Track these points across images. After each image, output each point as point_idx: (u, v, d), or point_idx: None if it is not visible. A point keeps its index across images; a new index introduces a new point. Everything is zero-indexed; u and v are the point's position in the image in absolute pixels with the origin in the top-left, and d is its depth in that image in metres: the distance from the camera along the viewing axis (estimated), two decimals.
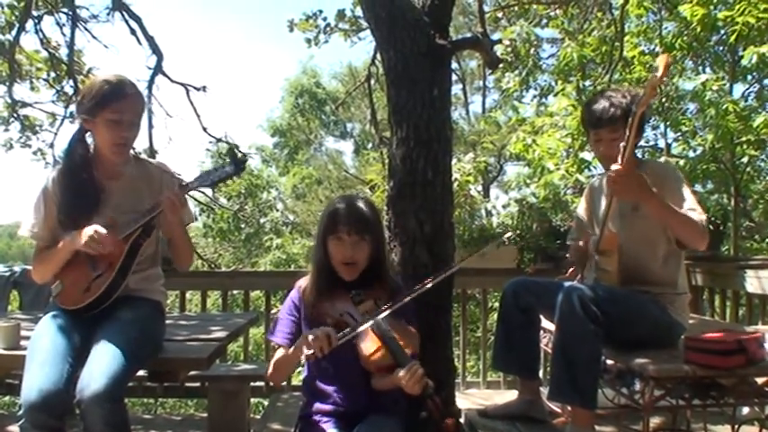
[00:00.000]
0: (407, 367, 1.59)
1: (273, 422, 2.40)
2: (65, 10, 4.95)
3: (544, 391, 2.31)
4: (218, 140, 5.67)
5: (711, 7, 5.61)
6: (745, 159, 6.80)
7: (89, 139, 2.07)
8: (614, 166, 2.01)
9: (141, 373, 2.03)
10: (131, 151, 2.20)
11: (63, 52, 5.27)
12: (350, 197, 1.91)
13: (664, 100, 6.17)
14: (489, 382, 3.79)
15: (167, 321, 2.22)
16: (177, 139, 6.08)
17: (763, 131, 5.55)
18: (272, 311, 3.93)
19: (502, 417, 2.39)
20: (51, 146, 5.71)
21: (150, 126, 4.82)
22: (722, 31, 5.99)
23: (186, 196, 2.04)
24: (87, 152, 2.05)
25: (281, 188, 17.70)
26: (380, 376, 1.71)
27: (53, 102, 5.68)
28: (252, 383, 3.04)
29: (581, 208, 2.55)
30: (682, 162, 6.44)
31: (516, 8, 6.53)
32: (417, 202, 2.44)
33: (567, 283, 2.13)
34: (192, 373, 2.40)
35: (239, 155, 1.97)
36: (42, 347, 1.82)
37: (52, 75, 5.54)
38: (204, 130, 5.29)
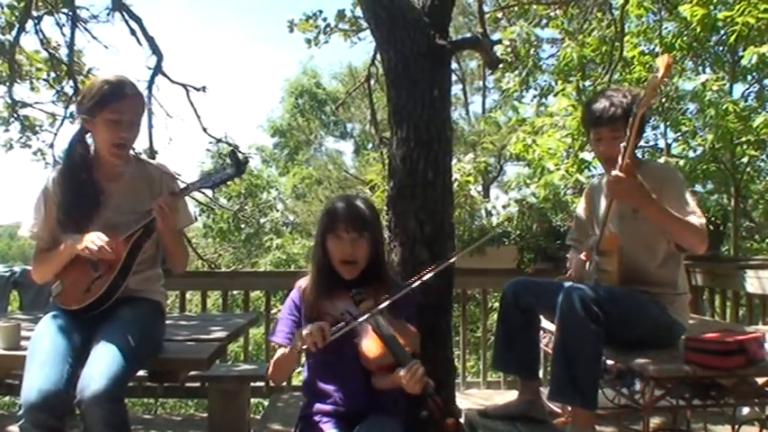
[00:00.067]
0: (408, 366, 1.59)
1: (273, 422, 2.40)
2: (65, 10, 4.94)
3: (544, 391, 2.31)
4: (219, 141, 5.68)
5: (711, 7, 5.60)
6: (745, 159, 6.79)
7: (89, 140, 2.07)
8: (614, 172, 2.01)
9: (141, 373, 2.03)
10: (131, 152, 2.20)
11: (63, 52, 5.26)
12: (348, 196, 1.93)
13: (664, 100, 6.17)
14: (489, 383, 3.80)
15: (167, 322, 2.22)
16: (177, 140, 6.07)
17: (763, 131, 5.54)
18: (273, 312, 3.94)
19: (502, 417, 2.39)
20: (51, 146, 5.70)
21: (150, 126, 4.82)
22: (722, 32, 5.99)
23: (186, 198, 2.04)
24: (87, 153, 2.06)
25: (281, 188, 17.69)
26: (381, 376, 1.71)
27: (53, 102, 5.68)
28: (252, 384, 3.04)
29: (581, 208, 2.55)
30: (682, 162, 6.43)
31: (516, 8, 6.53)
32: (417, 202, 2.44)
33: (567, 284, 2.13)
34: (193, 373, 2.40)
35: (241, 156, 1.96)
36: (42, 348, 1.82)
37: (52, 75, 5.53)
38: (204, 130, 5.29)
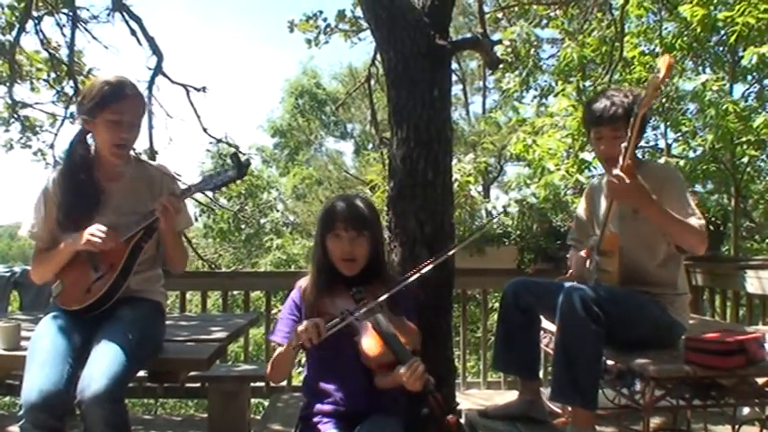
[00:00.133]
0: (408, 364, 1.59)
1: (274, 423, 2.40)
2: (65, 11, 4.95)
3: (545, 391, 2.31)
4: (219, 141, 5.69)
5: (711, 8, 5.61)
6: (745, 159, 6.80)
7: (90, 140, 2.07)
8: (615, 171, 2.01)
9: (141, 373, 2.03)
10: (132, 152, 2.20)
11: (63, 53, 5.27)
12: (347, 195, 1.94)
13: (664, 100, 6.17)
14: (490, 383, 3.80)
15: (167, 322, 2.22)
16: (177, 140, 6.08)
17: (763, 132, 5.55)
18: (273, 312, 3.94)
19: (502, 417, 2.39)
20: (52, 146, 5.71)
21: (150, 127, 4.82)
22: (722, 32, 5.99)
23: (185, 199, 2.04)
24: (88, 153, 2.06)
25: (282, 189, 17.70)
26: (382, 374, 1.71)
27: (53, 102, 5.69)
28: (252, 384, 3.04)
29: (581, 208, 2.55)
30: (682, 162, 6.44)
31: (516, 9, 6.53)
32: (418, 202, 2.44)
33: (567, 284, 2.13)
34: (193, 373, 2.40)
35: (242, 158, 1.96)
36: (43, 348, 1.82)
37: (52, 75, 5.53)
38: (204, 130, 5.30)
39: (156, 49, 4.66)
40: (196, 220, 8.23)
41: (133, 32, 4.64)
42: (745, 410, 2.51)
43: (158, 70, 4.69)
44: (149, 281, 2.11)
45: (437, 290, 2.38)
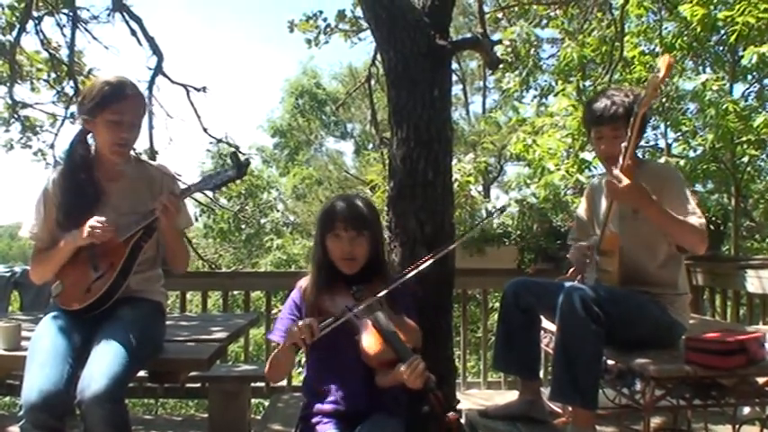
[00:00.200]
0: (408, 362, 1.59)
1: (274, 423, 2.40)
2: (65, 11, 4.95)
3: (545, 391, 2.31)
4: (219, 141, 5.69)
5: (711, 7, 5.60)
6: (745, 159, 6.79)
7: (90, 141, 2.07)
8: (615, 171, 2.01)
9: (142, 373, 2.03)
10: (132, 152, 2.20)
11: (63, 53, 5.27)
12: (347, 195, 1.94)
13: (664, 100, 6.17)
14: (490, 383, 3.80)
15: (168, 322, 2.22)
16: (178, 140, 6.09)
17: (763, 131, 5.54)
18: (273, 312, 3.94)
19: (502, 417, 2.39)
20: (52, 147, 5.71)
21: (151, 127, 4.83)
22: (722, 31, 5.99)
23: (185, 199, 2.04)
24: (88, 153, 2.06)
25: (282, 189, 17.69)
26: (383, 373, 1.71)
27: (53, 102, 5.69)
28: (252, 384, 3.04)
29: (581, 208, 2.55)
30: (682, 162, 6.43)
31: (516, 9, 6.53)
32: (418, 202, 2.44)
33: (567, 284, 2.13)
34: (193, 373, 2.40)
35: (242, 158, 1.96)
36: (43, 348, 1.82)
37: (53, 75, 5.54)
38: (205, 130, 5.30)
39: (156, 50, 4.66)
40: (196, 220, 8.23)
41: (133, 33, 4.65)
42: (746, 410, 2.51)
43: (158, 70, 4.69)
44: (149, 281, 2.11)
45: (437, 289, 2.38)
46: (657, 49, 6.10)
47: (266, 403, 3.22)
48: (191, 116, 5.76)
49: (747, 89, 7.56)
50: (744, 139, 5.97)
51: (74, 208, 1.99)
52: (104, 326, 1.90)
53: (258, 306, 6.68)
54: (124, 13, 4.66)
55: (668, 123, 6.70)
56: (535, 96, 7.64)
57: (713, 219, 3.98)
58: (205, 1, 41.64)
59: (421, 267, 1.82)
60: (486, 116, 12.91)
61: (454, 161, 4.60)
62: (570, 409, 2.13)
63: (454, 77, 11.61)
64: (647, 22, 6.50)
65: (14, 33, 4.99)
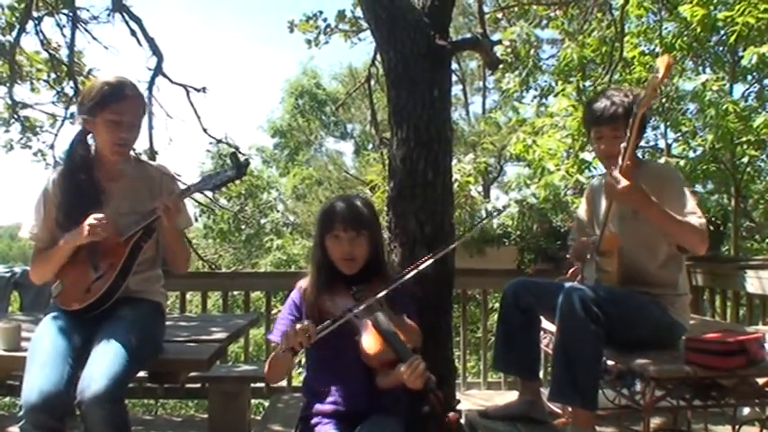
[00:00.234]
0: (408, 362, 1.59)
1: (274, 423, 2.40)
2: (65, 11, 4.95)
3: (545, 391, 2.31)
4: (219, 141, 5.68)
5: (711, 8, 5.61)
6: (745, 159, 6.79)
7: (90, 141, 2.07)
8: (614, 173, 2.01)
9: (142, 374, 2.03)
10: (132, 153, 2.20)
11: (63, 53, 5.27)
12: (346, 196, 1.94)
13: (664, 100, 6.17)
14: (490, 383, 3.80)
15: (168, 322, 2.22)
16: (177, 141, 6.08)
17: (763, 132, 5.55)
18: (273, 312, 3.93)
19: (502, 417, 2.39)
20: (52, 147, 5.70)
21: (151, 127, 4.82)
22: (722, 32, 5.99)
23: (185, 199, 2.04)
24: (88, 153, 2.06)
25: (282, 189, 17.70)
26: (384, 373, 1.71)
27: (53, 103, 5.68)
28: (252, 384, 3.04)
29: (581, 209, 2.55)
30: (682, 162, 6.44)
31: (516, 9, 6.53)
32: (418, 202, 2.44)
33: (567, 284, 2.13)
34: (193, 374, 2.40)
35: (241, 158, 1.97)
36: (43, 349, 1.82)
37: (52, 76, 5.53)
38: (204, 131, 5.29)
39: (156, 50, 4.66)
40: (196, 220, 8.22)
41: (133, 33, 4.65)
42: (746, 411, 2.51)
43: (158, 71, 4.69)
44: (149, 281, 2.11)
45: (437, 289, 2.38)
46: (657, 49, 6.10)
47: (266, 404, 3.21)
48: (190, 116, 5.75)
49: (747, 89, 7.57)
50: (744, 139, 5.98)
51: (74, 208, 1.99)
52: (104, 326, 1.90)
53: (258, 306, 6.68)
54: (124, 14, 4.65)
55: (668, 124, 6.70)
56: (535, 97, 7.65)
57: (713, 219, 3.99)
58: (205, 1, 41.70)
59: (421, 267, 1.82)
60: (485, 116, 12.92)
61: (454, 161, 4.60)
62: (570, 409, 2.13)
63: (454, 78, 11.59)
64: (647, 22, 6.50)
65: (14, 34, 4.99)
